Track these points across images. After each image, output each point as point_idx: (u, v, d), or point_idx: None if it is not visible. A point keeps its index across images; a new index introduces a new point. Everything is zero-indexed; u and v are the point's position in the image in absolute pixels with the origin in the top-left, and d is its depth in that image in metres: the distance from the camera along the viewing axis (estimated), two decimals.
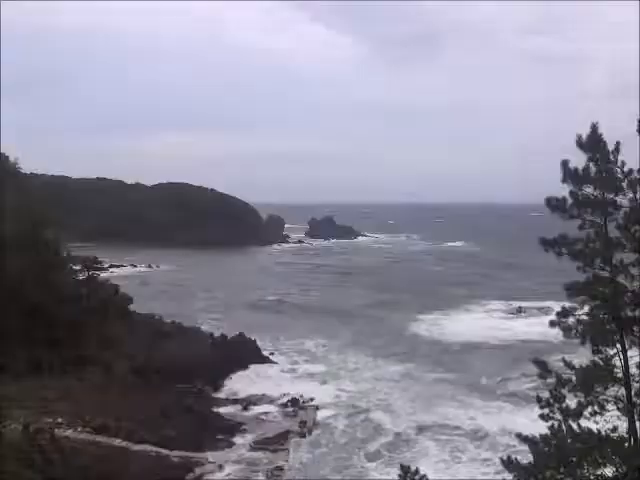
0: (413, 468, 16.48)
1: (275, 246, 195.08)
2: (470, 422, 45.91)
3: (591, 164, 15.54)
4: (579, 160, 15.60)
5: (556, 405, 15.73)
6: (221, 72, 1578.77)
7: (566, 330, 15.84)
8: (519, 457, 16.18)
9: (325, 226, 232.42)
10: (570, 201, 15.63)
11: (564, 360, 16.14)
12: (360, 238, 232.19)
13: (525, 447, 16.26)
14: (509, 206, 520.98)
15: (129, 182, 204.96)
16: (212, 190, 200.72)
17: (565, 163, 15.66)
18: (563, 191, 15.73)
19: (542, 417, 16.00)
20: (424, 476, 16.36)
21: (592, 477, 14.93)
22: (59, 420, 38.61)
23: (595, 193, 15.56)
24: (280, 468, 38.57)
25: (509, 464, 16.00)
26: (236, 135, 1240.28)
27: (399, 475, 16.40)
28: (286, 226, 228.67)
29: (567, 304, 16.01)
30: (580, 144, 15.55)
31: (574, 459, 15.06)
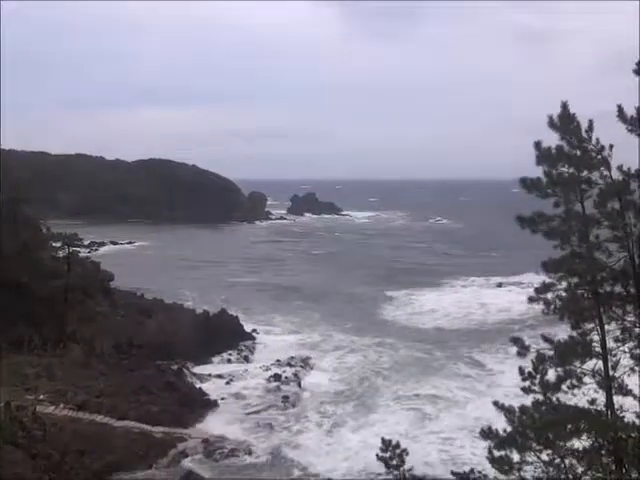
0: (394, 442, 16.68)
1: (257, 222, 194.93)
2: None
3: (564, 143, 15.62)
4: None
5: (538, 377, 15.88)
6: (200, 48, 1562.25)
7: (545, 305, 16.01)
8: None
9: (307, 203, 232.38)
10: (545, 180, 15.71)
11: (543, 336, 16.30)
12: (342, 215, 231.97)
13: None
14: (497, 182, 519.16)
15: (109, 158, 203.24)
16: (194, 166, 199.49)
17: (538, 144, 15.70)
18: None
19: (524, 390, 16.14)
20: (404, 450, 16.57)
21: (569, 448, 15.17)
22: (41, 397, 38.54)
23: (569, 171, 15.66)
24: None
25: (488, 434, 16.14)
26: (215, 111, 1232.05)
27: (380, 448, 16.59)
28: (268, 202, 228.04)
29: (546, 280, 16.16)
30: (552, 124, 15.60)
31: (552, 431, 15.26)
